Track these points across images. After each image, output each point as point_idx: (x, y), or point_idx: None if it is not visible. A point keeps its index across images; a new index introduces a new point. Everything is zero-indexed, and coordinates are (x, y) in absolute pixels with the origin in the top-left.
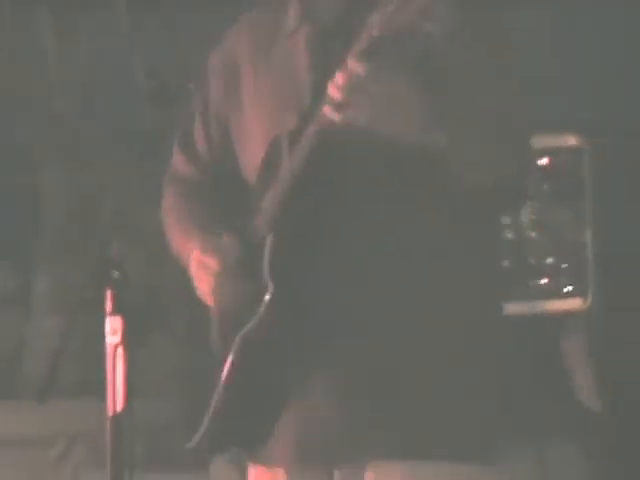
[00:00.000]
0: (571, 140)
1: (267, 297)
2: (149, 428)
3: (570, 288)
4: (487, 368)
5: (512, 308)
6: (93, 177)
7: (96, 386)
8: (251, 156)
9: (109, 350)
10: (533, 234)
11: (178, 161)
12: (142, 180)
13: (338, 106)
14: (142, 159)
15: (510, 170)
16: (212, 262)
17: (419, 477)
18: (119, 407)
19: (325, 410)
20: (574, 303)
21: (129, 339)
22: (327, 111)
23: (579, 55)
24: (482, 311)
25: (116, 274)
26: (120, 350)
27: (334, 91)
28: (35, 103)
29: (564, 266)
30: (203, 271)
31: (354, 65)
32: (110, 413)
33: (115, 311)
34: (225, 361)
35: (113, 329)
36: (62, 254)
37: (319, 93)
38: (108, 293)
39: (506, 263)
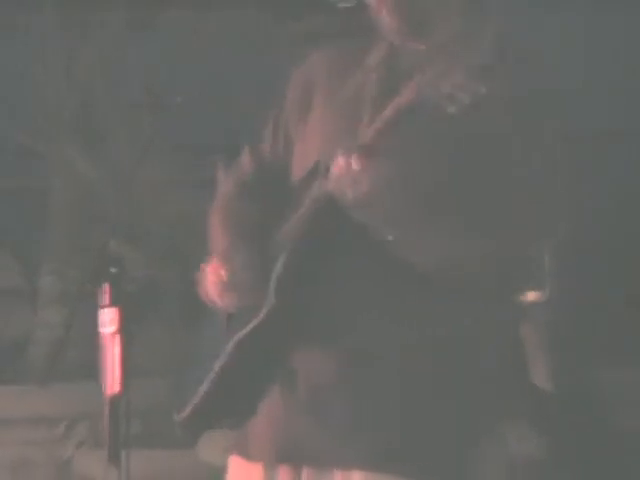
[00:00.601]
0: None
1: (265, 310)
2: (144, 408)
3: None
4: (468, 401)
5: None
6: (94, 179)
7: (95, 371)
8: (299, 172)
9: (107, 338)
10: None
11: (245, 158)
12: (140, 181)
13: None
14: (140, 161)
15: (487, 268)
16: (223, 273)
17: None
18: (116, 390)
19: (302, 415)
20: (532, 295)
21: (125, 328)
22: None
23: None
24: (469, 352)
25: (113, 269)
26: (117, 338)
27: (335, 171)
28: (38, 105)
29: None
30: (214, 277)
31: (354, 158)
32: (108, 395)
33: (112, 303)
34: (222, 349)
35: (110, 319)
36: (65, 251)
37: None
38: (106, 286)
39: None
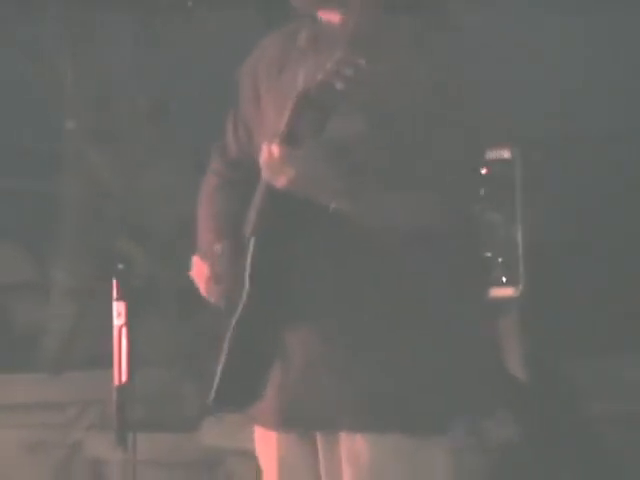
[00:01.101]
0: (505, 153)
1: (244, 297)
2: (148, 395)
3: (504, 279)
4: (450, 361)
5: None
6: (105, 184)
7: (104, 360)
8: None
9: (115, 330)
10: None
11: (214, 158)
12: (146, 183)
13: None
14: (144, 166)
15: (432, 220)
16: (205, 269)
17: (381, 447)
18: (123, 378)
19: (306, 385)
20: (507, 291)
21: (131, 321)
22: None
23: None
24: (445, 312)
25: (121, 266)
26: (124, 330)
27: (262, 160)
28: (53, 108)
29: (499, 260)
30: (199, 274)
31: (274, 147)
32: (116, 383)
33: (120, 297)
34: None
35: (118, 312)
36: (77, 249)
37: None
38: (114, 282)
39: None
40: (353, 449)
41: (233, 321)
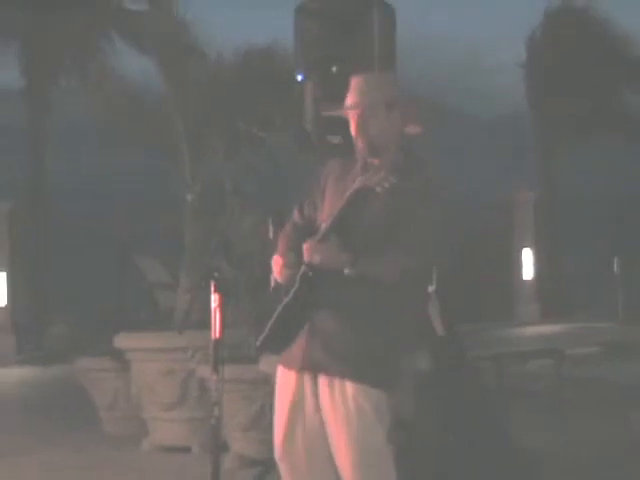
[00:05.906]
0: None
1: (294, 289)
2: (230, 344)
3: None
4: (404, 339)
5: None
6: (207, 229)
7: (207, 325)
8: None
9: (212, 309)
10: None
11: (295, 213)
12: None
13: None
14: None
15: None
16: (280, 261)
17: (358, 389)
18: (217, 335)
19: (315, 341)
20: (429, 288)
21: (222, 305)
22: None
23: None
24: (399, 314)
25: (216, 274)
26: (218, 310)
27: (304, 250)
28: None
29: None
30: (277, 264)
31: (309, 245)
32: (213, 338)
33: (215, 291)
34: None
35: (215, 299)
36: (193, 261)
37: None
38: (212, 283)
39: None
40: (342, 388)
41: (285, 300)
